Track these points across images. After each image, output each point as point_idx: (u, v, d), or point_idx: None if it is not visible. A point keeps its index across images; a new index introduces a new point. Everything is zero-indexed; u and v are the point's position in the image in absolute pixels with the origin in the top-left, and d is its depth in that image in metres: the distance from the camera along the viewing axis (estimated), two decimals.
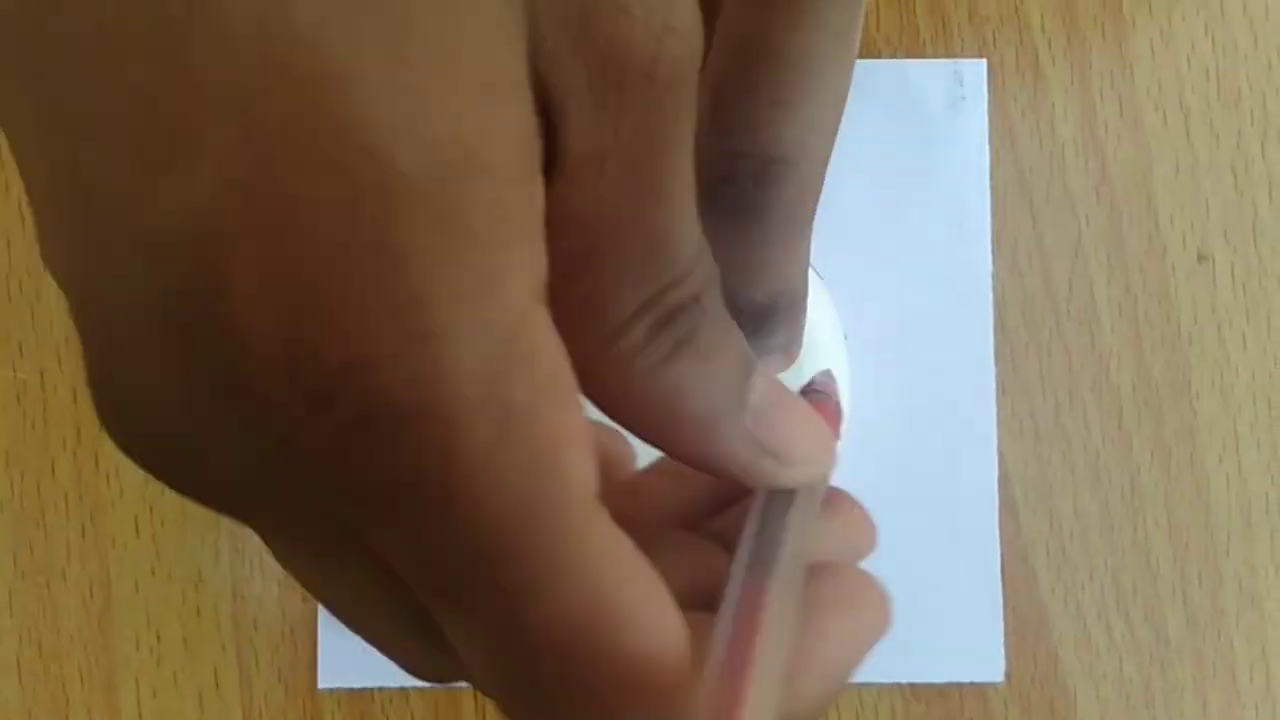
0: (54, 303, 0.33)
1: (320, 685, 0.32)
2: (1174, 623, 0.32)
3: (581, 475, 0.15)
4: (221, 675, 0.32)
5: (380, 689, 0.32)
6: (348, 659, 0.32)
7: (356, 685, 0.32)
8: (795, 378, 0.31)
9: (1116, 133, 0.33)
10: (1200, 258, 0.33)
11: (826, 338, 0.32)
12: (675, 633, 0.16)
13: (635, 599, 0.16)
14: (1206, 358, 0.33)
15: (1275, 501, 0.33)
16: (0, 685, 0.32)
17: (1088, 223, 0.33)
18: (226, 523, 0.32)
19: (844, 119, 0.22)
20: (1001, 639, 0.32)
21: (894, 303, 0.33)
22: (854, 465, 0.32)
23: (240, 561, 0.32)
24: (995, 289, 0.33)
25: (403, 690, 0.32)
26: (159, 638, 0.32)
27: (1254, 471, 0.33)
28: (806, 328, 0.29)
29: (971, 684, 0.32)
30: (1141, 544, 0.33)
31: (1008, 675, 0.32)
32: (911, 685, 0.32)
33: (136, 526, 0.33)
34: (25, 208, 0.33)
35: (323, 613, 0.32)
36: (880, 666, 0.32)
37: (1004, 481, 0.33)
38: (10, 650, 0.32)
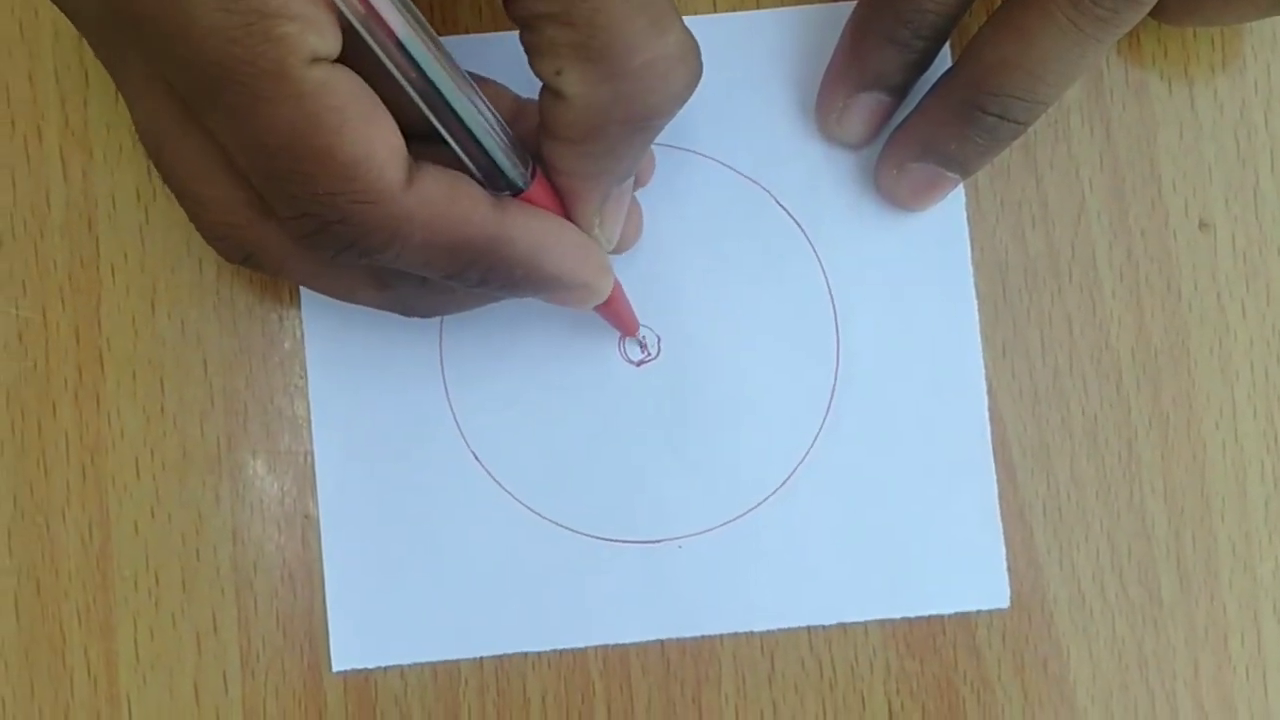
0: (58, 241, 0.33)
1: (335, 669, 0.32)
2: (1167, 585, 0.33)
3: (298, 37, 0.23)
4: (220, 618, 0.32)
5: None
6: (357, 641, 0.32)
7: (370, 665, 0.32)
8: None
9: (1122, 99, 0.34)
10: (1201, 225, 0.33)
11: None
12: (388, 153, 0.24)
13: (350, 120, 0.24)
14: (1206, 325, 0.33)
15: (1270, 468, 0.33)
16: None
17: (1091, 187, 0.33)
18: (227, 467, 0.32)
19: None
20: (1004, 566, 0.32)
21: (877, 248, 0.33)
22: (853, 418, 0.33)
23: (241, 505, 0.32)
24: (998, 251, 0.33)
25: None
26: (157, 579, 0.32)
27: (1250, 438, 0.33)
28: None
29: (978, 613, 0.32)
30: (1137, 507, 0.33)
31: (1003, 635, 0.33)
32: (908, 642, 0.32)
33: (137, 468, 0.33)
34: (30, 148, 0.33)
35: (332, 598, 0.32)
36: (891, 603, 0.32)
37: (1002, 443, 0.33)
38: (9, 589, 0.32)
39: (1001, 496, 0.33)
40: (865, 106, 0.31)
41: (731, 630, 0.32)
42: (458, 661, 0.32)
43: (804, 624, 0.32)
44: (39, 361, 0.33)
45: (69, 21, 0.33)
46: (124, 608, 0.32)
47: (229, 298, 0.33)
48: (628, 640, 0.32)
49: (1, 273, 0.33)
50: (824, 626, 0.32)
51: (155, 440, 0.33)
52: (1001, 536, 0.33)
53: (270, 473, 0.33)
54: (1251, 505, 0.33)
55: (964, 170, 0.31)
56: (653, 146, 0.31)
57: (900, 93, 0.31)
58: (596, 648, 0.32)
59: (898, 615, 0.32)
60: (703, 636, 0.32)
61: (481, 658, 0.32)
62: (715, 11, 0.33)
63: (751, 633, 0.32)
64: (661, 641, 0.32)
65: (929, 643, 0.33)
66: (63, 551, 0.32)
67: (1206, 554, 0.33)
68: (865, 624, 0.32)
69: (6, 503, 0.32)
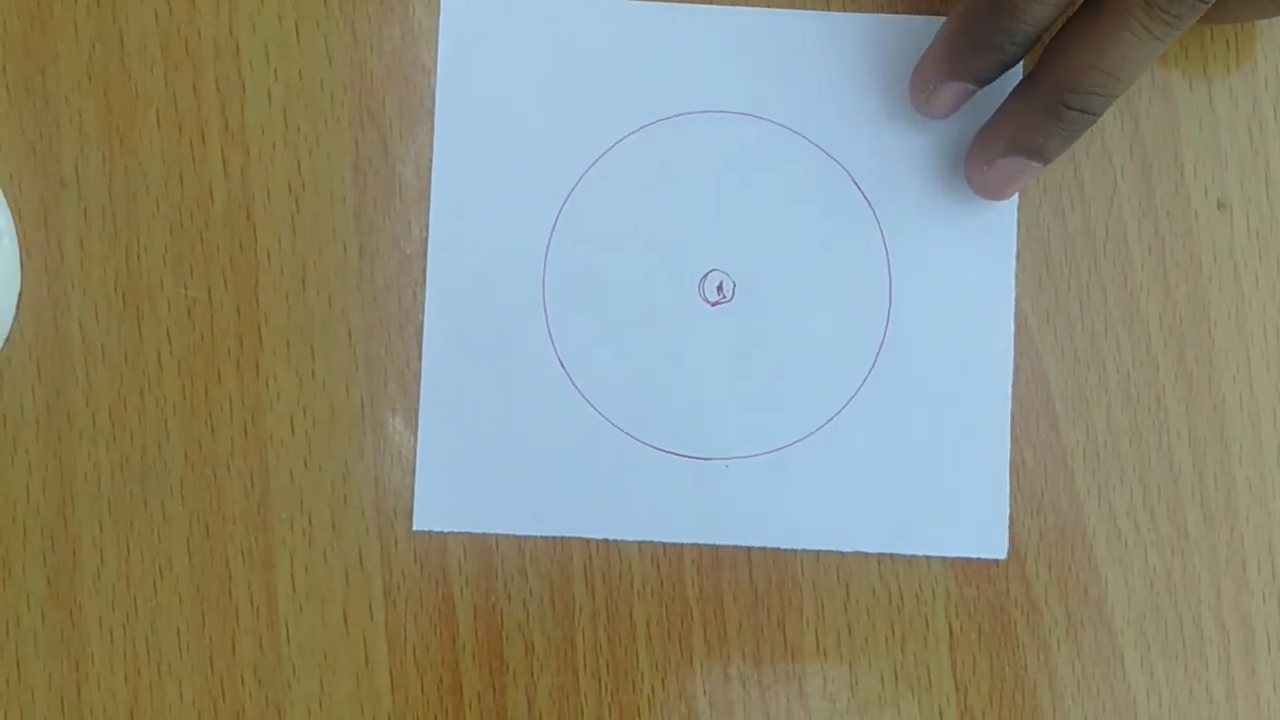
0: (220, 229, 0.37)
1: (415, 528, 0.37)
2: (1193, 520, 0.37)
3: None
4: (365, 553, 0.37)
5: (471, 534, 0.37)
6: (441, 504, 0.37)
7: (448, 530, 0.37)
8: None
9: (1149, 95, 0.38)
10: (1219, 205, 0.38)
11: None
12: None
13: None
14: (1224, 293, 0.38)
15: None
16: (173, 562, 0.37)
17: (1122, 174, 0.38)
18: (370, 423, 0.37)
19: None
20: (1006, 521, 0.37)
21: (934, 230, 0.38)
22: (894, 378, 0.37)
23: (381, 456, 0.37)
24: (1041, 229, 0.38)
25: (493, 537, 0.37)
26: (310, 521, 0.37)
27: (1263, 391, 0.38)
28: None
29: (1027, 544, 0.37)
30: (1165, 452, 0.37)
31: (1049, 565, 0.37)
32: (966, 572, 0.37)
33: (292, 425, 0.37)
34: (195, 149, 0.38)
35: (422, 459, 0.37)
36: (900, 540, 0.37)
37: (1047, 397, 0.37)
38: (181, 532, 0.37)
39: (1045, 444, 0.37)
40: (953, 92, 0.35)
41: (759, 544, 0.37)
42: (573, 592, 0.37)
43: (823, 548, 0.37)
44: (205, 334, 0.37)
45: (227, 37, 0.38)
46: (281, 547, 0.37)
47: (370, 276, 0.38)
48: (668, 540, 0.37)
49: (172, 258, 0.37)
50: (892, 558, 0.37)
51: (307, 401, 0.37)
52: (1007, 494, 0.37)
53: (407, 428, 0.37)
54: (1266, 449, 0.37)
55: (1046, 159, 0.35)
56: (755, 119, 0.37)
57: (984, 84, 0.35)
58: (694, 578, 0.37)
59: (905, 552, 0.37)
60: (786, 569, 0.37)
61: (593, 589, 0.37)
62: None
63: (829, 565, 0.37)
64: (750, 570, 0.37)
65: (984, 572, 0.37)
66: (228, 499, 0.37)
67: (1226, 492, 0.37)
68: (928, 556, 0.37)
69: (179, 458, 0.37)
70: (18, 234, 0.37)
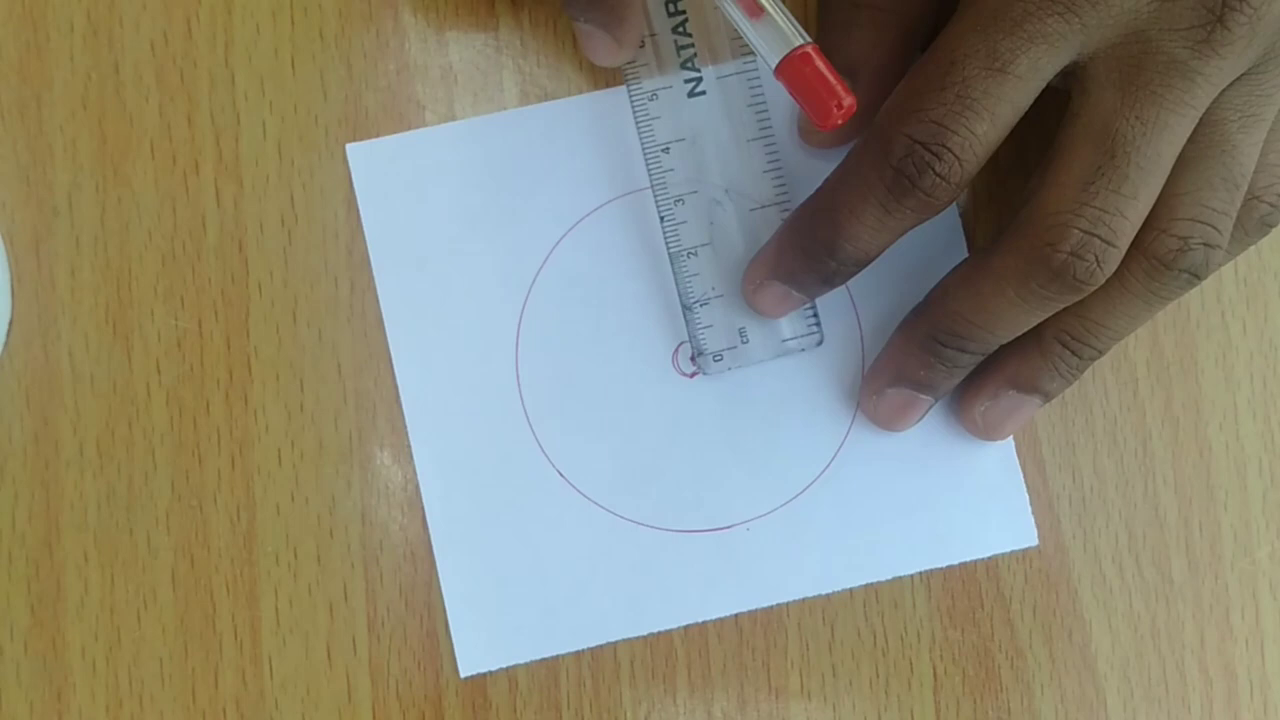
0: (212, 261, 0.38)
1: (463, 674, 0.37)
2: (1178, 567, 0.37)
3: None
4: (350, 589, 0.37)
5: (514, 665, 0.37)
6: (478, 650, 0.37)
7: (494, 668, 0.37)
8: None
9: None
10: None
11: None
12: None
13: None
14: (1211, 340, 0.38)
15: (1267, 465, 0.38)
16: (158, 594, 0.37)
17: None
18: (358, 458, 0.37)
19: None
20: (1029, 508, 0.37)
21: (898, 272, 0.37)
22: None
23: (369, 491, 0.37)
24: None
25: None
26: (296, 555, 0.37)
27: (1249, 439, 0.38)
28: None
29: (1012, 589, 0.37)
30: (1151, 498, 0.38)
31: (1034, 609, 0.37)
32: (951, 615, 0.37)
33: (279, 458, 0.37)
34: (189, 180, 0.38)
35: (450, 603, 0.37)
36: (933, 555, 0.37)
37: (1033, 442, 0.37)
38: (166, 564, 0.37)
39: (1032, 489, 0.37)
40: (775, 292, 0.35)
41: (800, 597, 0.37)
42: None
43: (860, 583, 0.37)
44: (195, 366, 0.37)
45: (222, 69, 0.38)
46: (266, 580, 0.37)
47: (360, 310, 0.38)
48: (710, 618, 0.37)
49: (163, 289, 0.37)
50: (877, 600, 0.37)
51: (295, 434, 0.37)
52: (1023, 482, 0.37)
53: (395, 463, 0.37)
54: (1251, 497, 0.38)
55: (934, 392, 0.36)
56: (697, 190, 0.36)
57: (810, 296, 0.35)
58: None
59: (942, 564, 0.37)
60: (771, 610, 0.37)
61: None
62: None
63: (814, 606, 0.37)
64: (736, 614, 0.37)
65: (969, 616, 0.37)
66: (214, 531, 0.37)
67: (1211, 540, 0.37)
68: (913, 597, 0.37)
69: (165, 489, 0.37)
70: (9, 262, 0.37)
